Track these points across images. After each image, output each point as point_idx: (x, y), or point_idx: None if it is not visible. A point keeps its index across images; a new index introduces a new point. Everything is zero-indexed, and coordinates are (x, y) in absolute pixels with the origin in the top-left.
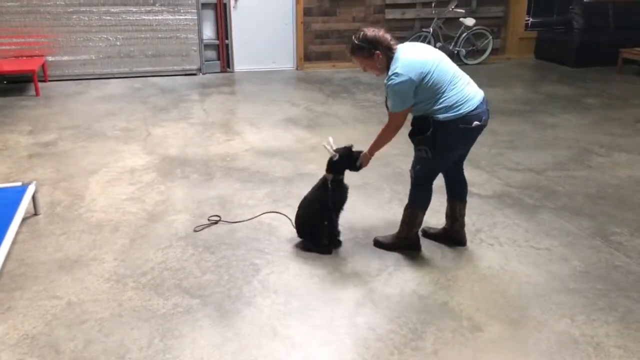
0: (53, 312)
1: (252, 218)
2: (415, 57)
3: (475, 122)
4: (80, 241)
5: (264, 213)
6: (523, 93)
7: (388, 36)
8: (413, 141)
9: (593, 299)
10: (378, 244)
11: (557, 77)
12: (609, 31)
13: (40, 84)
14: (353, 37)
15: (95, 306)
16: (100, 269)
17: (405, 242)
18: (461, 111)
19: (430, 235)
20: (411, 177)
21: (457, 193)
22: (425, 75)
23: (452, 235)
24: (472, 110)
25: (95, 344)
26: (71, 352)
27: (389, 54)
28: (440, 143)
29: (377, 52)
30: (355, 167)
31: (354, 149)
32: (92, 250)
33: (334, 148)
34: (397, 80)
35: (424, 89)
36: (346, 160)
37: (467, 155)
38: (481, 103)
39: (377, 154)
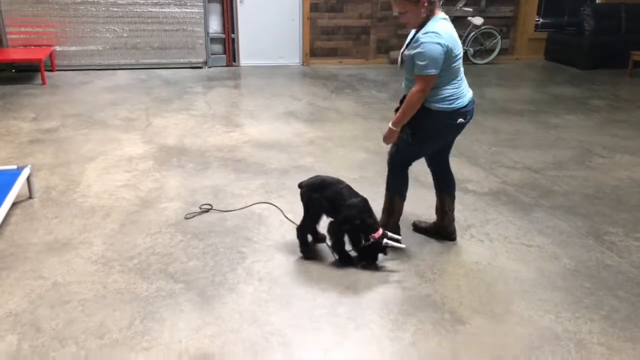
0: (38, 292)
1: (244, 208)
2: (454, 33)
3: (460, 119)
4: (72, 225)
5: (255, 203)
6: (529, 93)
7: None
8: (410, 135)
9: (580, 296)
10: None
11: (566, 78)
12: (620, 33)
13: (47, 74)
14: None
15: (80, 287)
16: (88, 252)
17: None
18: (453, 105)
19: (421, 229)
20: (388, 161)
21: (444, 187)
22: (454, 56)
23: (442, 230)
24: (462, 107)
25: (76, 324)
26: (52, 330)
27: (431, 9)
28: (423, 131)
29: (421, 3)
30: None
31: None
32: (83, 233)
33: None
34: (436, 40)
35: (442, 69)
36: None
37: (466, 153)
38: (470, 101)
39: (374, 148)
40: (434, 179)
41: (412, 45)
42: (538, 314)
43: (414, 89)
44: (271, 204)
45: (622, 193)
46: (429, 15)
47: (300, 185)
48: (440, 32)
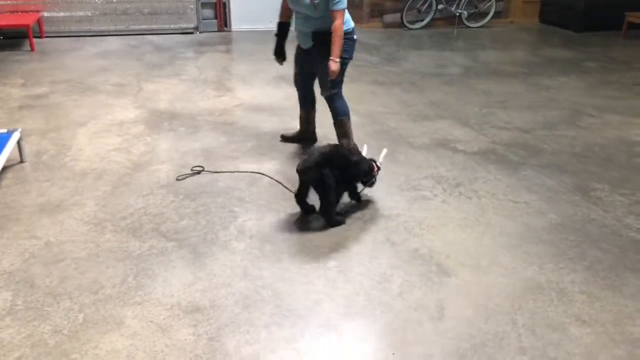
0: (31, 251)
1: (234, 172)
2: None
3: (355, 36)
4: (64, 188)
5: (248, 172)
6: (522, 56)
7: None
8: (321, 52)
9: (564, 249)
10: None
11: (560, 41)
12: None
13: (35, 40)
14: None
15: (73, 246)
16: (80, 212)
17: None
18: (350, 25)
19: (289, 138)
20: (329, 95)
21: (311, 104)
22: None
23: (308, 136)
24: (352, 27)
25: (70, 280)
26: (46, 287)
27: None
28: (345, 52)
29: None
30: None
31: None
32: (74, 196)
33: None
34: None
35: None
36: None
37: (457, 115)
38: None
39: (365, 111)
40: (302, 99)
41: None
42: (522, 265)
43: (337, 21)
44: (263, 174)
45: (610, 152)
46: None
47: (302, 171)
48: None
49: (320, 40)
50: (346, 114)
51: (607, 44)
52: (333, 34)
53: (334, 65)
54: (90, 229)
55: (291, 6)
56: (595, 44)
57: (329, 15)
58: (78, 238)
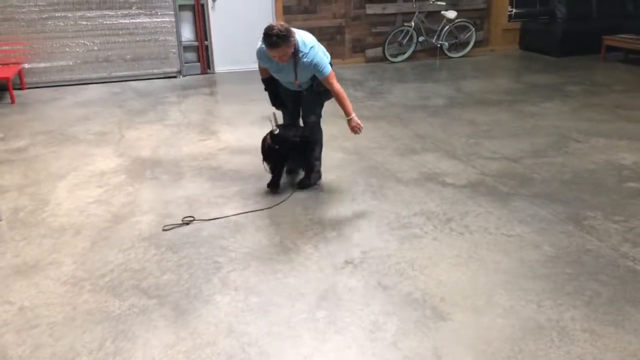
0: (4, 318)
1: (222, 217)
2: (307, 33)
3: None
4: (40, 246)
5: (238, 214)
6: (505, 83)
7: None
8: (324, 96)
9: (561, 283)
10: (306, 186)
11: (541, 66)
12: (592, 19)
13: (16, 92)
14: (271, 33)
15: (48, 310)
16: (57, 272)
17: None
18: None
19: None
20: (314, 122)
21: (296, 115)
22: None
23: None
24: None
25: (44, 349)
26: (18, 357)
27: (296, 38)
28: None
29: (293, 39)
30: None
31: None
32: (52, 254)
33: (278, 123)
34: (319, 49)
35: None
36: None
37: (444, 147)
38: None
39: (352, 147)
40: (290, 113)
41: (303, 68)
42: (520, 304)
43: (334, 88)
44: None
45: (599, 177)
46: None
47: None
48: (314, 44)
49: (308, 89)
50: (321, 141)
51: (587, 67)
52: (337, 98)
53: (354, 122)
54: (67, 290)
55: (274, 76)
56: (575, 67)
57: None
58: (54, 300)
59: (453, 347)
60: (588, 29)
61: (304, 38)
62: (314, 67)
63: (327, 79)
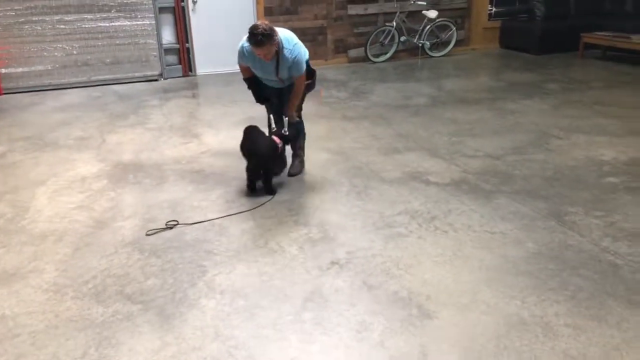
0: None
1: (205, 221)
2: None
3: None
4: (21, 253)
5: (222, 217)
6: (486, 82)
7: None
8: (305, 90)
9: (544, 279)
10: (294, 174)
11: (521, 64)
12: (570, 17)
13: None
14: (257, 32)
15: (29, 319)
16: (39, 280)
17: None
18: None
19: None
20: (298, 117)
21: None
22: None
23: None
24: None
25: (25, 358)
26: None
27: (279, 36)
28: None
29: (277, 37)
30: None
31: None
32: (33, 261)
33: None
34: (301, 47)
35: None
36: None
37: (426, 146)
38: None
39: (336, 148)
40: (274, 110)
41: (284, 62)
42: (504, 300)
43: (302, 85)
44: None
45: (580, 173)
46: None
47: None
48: (296, 41)
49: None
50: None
51: (565, 65)
52: (295, 94)
53: (294, 115)
54: (49, 298)
55: (257, 74)
56: (554, 65)
57: None
58: (36, 309)
59: (439, 345)
60: (566, 26)
61: (286, 35)
62: (295, 63)
63: (300, 77)
